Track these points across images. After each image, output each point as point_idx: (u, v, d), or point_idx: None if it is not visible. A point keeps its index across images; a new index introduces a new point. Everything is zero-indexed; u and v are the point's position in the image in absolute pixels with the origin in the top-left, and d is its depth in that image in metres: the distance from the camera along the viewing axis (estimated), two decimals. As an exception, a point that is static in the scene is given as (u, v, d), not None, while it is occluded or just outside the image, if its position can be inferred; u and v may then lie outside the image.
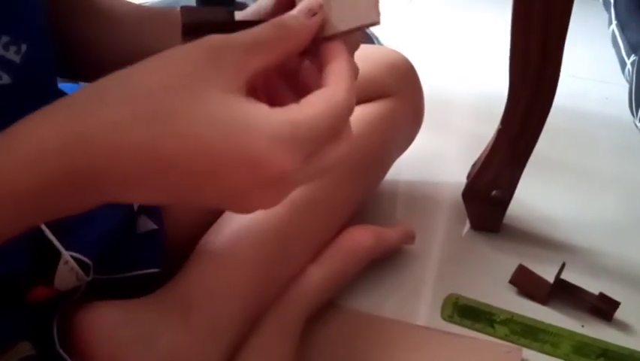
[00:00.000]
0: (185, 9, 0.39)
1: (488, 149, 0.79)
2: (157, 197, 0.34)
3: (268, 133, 0.32)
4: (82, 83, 0.63)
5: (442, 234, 0.87)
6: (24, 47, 0.45)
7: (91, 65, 0.59)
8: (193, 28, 0.38)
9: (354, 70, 0.38)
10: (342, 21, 0.37)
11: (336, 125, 0.35)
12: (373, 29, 1.47)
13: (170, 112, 0.32)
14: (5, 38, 0.44)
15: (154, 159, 0.32)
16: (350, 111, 0.35)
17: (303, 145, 0.33)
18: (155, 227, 0.62)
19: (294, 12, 0.37)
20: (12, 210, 0.32)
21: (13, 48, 0.44)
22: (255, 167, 0.32)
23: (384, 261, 0.79)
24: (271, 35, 0.35)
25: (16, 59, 0.45)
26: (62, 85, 0.56)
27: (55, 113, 0.33)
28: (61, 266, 0.49)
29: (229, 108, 0.32)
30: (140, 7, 0.56)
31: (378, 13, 0.37)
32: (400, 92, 0.81)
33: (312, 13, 0.37)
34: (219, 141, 0.31)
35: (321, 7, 0.37)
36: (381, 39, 1.44)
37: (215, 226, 0.64)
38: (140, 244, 0.60)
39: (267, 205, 0.34)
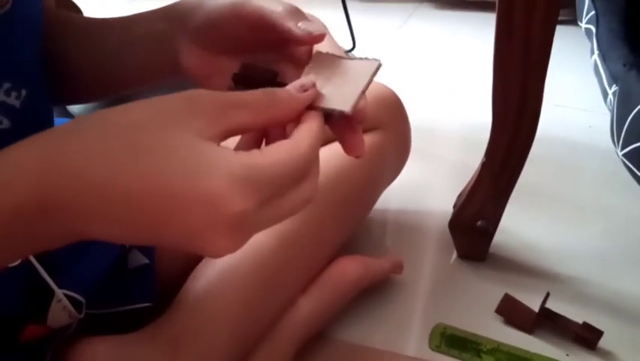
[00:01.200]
0: (245, 65, 0.45)
1: (473, 181, 0.81)
2: (121, 234, 0.34)
3: (227, 173, 0.32)
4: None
5: (430, 263, 0.88)
6: (24, 92, 0.47)
7: (74, 84, 0.59)
8: (241, 79, 0.43)
9: (322, 136, 0.39)
10: (322, 98, 0.41)
11: (295, 174, 0.36)
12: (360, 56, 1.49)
13: (135, 148, 0.33)
14: (7, 85, 0.45)
15: (112, 193, 0.32)
16: (309, 165, 0.37)
17: (260, 189, 0.33)
18: (147, 261, 0.63)
19: (288, 86, 0.40)
20: None
21: (14, 94, 0.46)
22: (211, 206, 0.32)
23: (373, 291, 0.81)
24: (258, 99, 0.37)
25: (17, 103, 0.46)
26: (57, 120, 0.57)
27: (36, 141, 0.34)
28: (54, 304, 0.50)
29: (193, 149, 0.33)
30: (107, 18, 0.57)
31: (352, 107, 0.40)
32: (388, 124, 0.82)
33: (304, 89, 0.40)
34: (179, 178, 0.32)
35: (314, 85, 0.40)
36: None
37: (205, 261, 0.65)
38: (131, 279, 0.61)
39: (228, 248, 0.34)
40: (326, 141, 0.75)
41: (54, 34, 0.55)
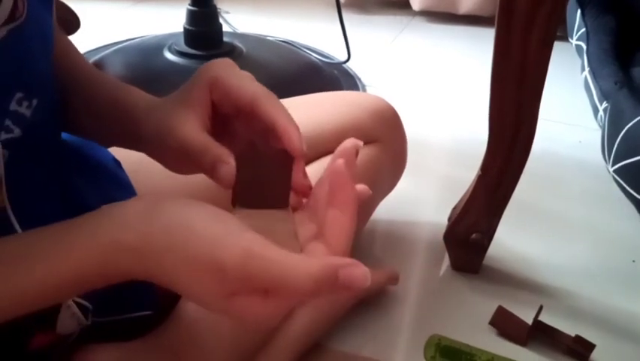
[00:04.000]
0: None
1: (468, 194, 0.82)
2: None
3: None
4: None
5: (424, 275, 0.90)
6: (35, 102, 0.47)
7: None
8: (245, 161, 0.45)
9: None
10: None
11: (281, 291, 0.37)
12: (356, 70, 1.51)
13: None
14: (19, 94, 0.46)
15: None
16: (298, 300, 0.39)
17: (231, 282, 0.37)
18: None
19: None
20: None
21: (25, 103, 0.46)
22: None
23: (369, 302, 0.82)
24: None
25: (28, 113, 0.47)
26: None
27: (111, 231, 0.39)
28: (63, 311, 0.51)
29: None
30: (113, 78, 0.59)
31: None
32: (384, 138, 0.83)
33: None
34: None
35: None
36: (363, 79, 1.48)
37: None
38: (135, 287, 0.61)
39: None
40: (324, 153, 0.77)
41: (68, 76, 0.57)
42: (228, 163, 0.44)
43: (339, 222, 0.44)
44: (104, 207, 0.41)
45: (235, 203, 0.44)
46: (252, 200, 0.44)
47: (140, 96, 0.53)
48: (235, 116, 0.48)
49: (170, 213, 0.39)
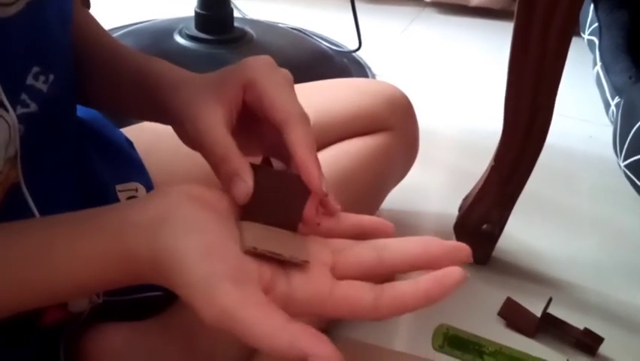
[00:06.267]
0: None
1: (480, 185, 0.82)
2: None
3: None
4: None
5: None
6: (51, 77, 0.47)
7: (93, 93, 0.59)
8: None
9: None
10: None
11: None
12: (366, 59, 1.50)
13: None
14: (36, 69, 0.45)
15: None
16: None
17: None
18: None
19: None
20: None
21: (42, 78, 0.46)
22: None
23: (377, 290, 0.81)
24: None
25: (44, 88, 0.46)
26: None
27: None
28: (75, 288, 0.50)
29: None
30: (136, 51, 0.57)
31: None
32: (397, 126, 0.83)
33: None
34: None
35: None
36: (373, 69, 1.47)
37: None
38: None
39: None
40: (336, 140, 0.77)
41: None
42: (246, 182, 0.42)
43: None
44: (123, 208, 0.41)
45: (244, 218, 0.42)
46: (262, 217, 0.42)
47: (166, 69, 0.51)
48: (266, 122, 0.45)
49: (168, 237, 0.38)
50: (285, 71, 0.47)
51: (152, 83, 0.50)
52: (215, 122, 0.44)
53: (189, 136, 0.46)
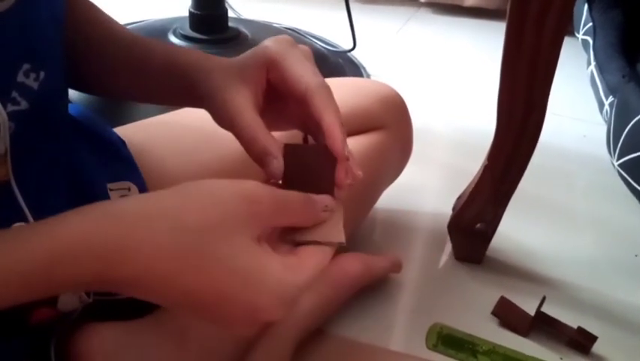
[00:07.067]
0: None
1: (473, 184, 0.82)
2: (165, 305, 0.41)
3: (277, 294, 0.38)
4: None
5: (426, 264, 0.89)
6: (42, 75, 0.47)
7: (92, 77, 0.60)
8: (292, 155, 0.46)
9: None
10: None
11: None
12: (360, 59, 1.50)
13: (201, 252, 0.36)
14: (26, 66, 0.45)
15: (172, 285, 0.36)
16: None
17: (296, 302, 0.39)
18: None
19: (316, 198, 0.44)
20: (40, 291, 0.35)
21: (32, 75, 0.46)
22: (253, 312, 0.38)
23: (372, 289, 0.81)
24: (298, 208, 0.42)
25: (35, 85, 0.46)
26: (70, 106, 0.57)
27: (99, 221, 0.35)
28: (65, 288, 0.50)
29: (249, 259, 0.38)
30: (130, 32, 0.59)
31: (343, 236, 0.45)
32: (391, 125, 0.83)
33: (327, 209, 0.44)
34: (233, 287, 0.37)
35: (333, 212, 0.44)
36: (368, 68, 1.47)
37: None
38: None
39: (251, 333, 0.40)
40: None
41: (75, 23, 0.55)
42: (277, 158, 0.44)
43: None
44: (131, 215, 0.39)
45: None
46: (299, 189, 0.44)
47: (194, 58, 0.53)
48: (290, 97, 0.48)
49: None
50: (305, 47, 0.50)
51: (182, 71, 0.52)
52: (243, 105, 0.46)
53: (222, 119, 0.48)
